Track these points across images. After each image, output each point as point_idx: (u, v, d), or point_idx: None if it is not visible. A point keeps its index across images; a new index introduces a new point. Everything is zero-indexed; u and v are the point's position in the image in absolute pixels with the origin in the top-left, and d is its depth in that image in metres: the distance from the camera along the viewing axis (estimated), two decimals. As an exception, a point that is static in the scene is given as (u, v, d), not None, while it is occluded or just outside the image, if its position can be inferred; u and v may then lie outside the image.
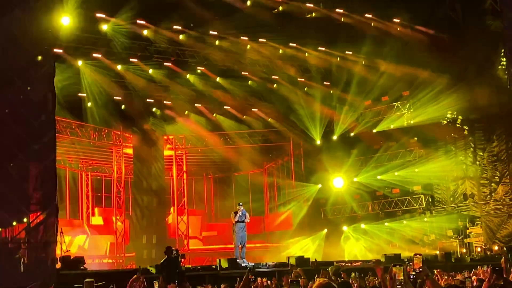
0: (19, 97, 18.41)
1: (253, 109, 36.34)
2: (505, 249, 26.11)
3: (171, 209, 35.29)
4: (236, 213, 23.28)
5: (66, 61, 27.83)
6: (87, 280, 11.17)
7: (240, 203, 23.99)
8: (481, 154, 30.63)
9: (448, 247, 29.92)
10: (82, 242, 32.14)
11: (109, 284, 14.13)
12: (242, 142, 34.84)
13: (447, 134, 32.38)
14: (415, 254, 8.53)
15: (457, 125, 31.61)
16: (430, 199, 32.94)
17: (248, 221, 23.88)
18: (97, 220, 34.91)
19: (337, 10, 29.37)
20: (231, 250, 26.67)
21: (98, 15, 26.36)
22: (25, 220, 18.27)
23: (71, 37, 26.77)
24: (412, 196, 33.29)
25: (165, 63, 31.13)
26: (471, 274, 15.89)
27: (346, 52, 32.60)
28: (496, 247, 28.73)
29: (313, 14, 29.29)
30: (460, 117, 31.09)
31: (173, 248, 20.74)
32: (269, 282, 15.37)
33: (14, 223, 18.42)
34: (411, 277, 9.80)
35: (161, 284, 13.33)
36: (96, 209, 35.76)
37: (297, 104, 35.18)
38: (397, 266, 8.62)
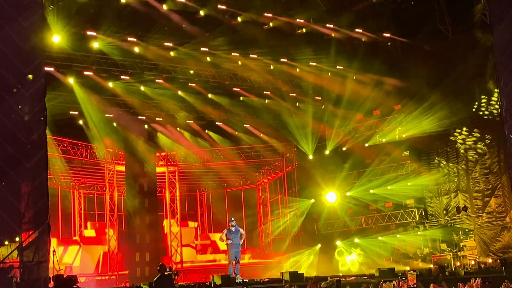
0: (10, 116, 18.33)
1: (245, 125, 36.36)
2: (499, 262, 26.12)
3: (164, 222, 35.14)
4: (229, 230, 23.04)
5: (58, 79, 27.87)
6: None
7: (232, 219, 23.83)
8: (473, 167, 30.66)
9: (442, 260, 29.86)
10: (74, 253, 32.07)
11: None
12: (234, 158, 34.80)
13: (439, 148, 32.45)
14: (409, 271, 8.56)
15: (449, 138, 31.66)
16: (423, 212, 32.94)
17: (244, 235, 23.62)
18: (89, 232, 34.89)
19: (327, 25, 29.50)
20: (225, 267, 26.56)
21: (89, 32, 26.41)
22: (17, 239, 18.15)
23: (62, 55, 26.85)
24: (405, 209, 33.30)
25: (157, 80, 31.19)
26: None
27: (337, 66, 32.75)
28: (490, 260, 28.69)
29: (304, 30, 29.43)
30: (451, 130, 31.13)
31: (167, 265, 20.63)
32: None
33: (6, 242, 18.30)
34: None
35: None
36: (88, 223, 35.73)
37: (289, 119, 35.24)
38: (387, 282, 8.60)
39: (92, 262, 32.30)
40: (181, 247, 33.16)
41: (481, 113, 29.89)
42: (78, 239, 33.65)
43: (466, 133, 30.96)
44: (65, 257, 31.02)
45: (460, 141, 31.29)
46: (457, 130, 31.09)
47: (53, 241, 27.85)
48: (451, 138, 31.55)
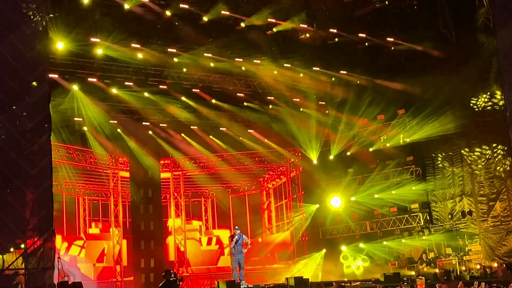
0: (14, 123, 18.40)
1: (249, 130, 36.35)
2: (504, 266, 26.07)
3: (169, 222, 35.16)
4: (232, 236, 23.06)
5: (62, 86, 27.93)
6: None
7: (237, 227, 23.81)
8: (478, 171, 30.60)
9: (447, 265, 29.80)
10: (79, 247, 32.34)
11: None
12: (238, 163, 34.79)
13: (443, 152, 32.39)
14: (418, 276, 8.56)
15: (453, 143, 31.59)
16: (428, 217, 32.85)
17: (249, 243, 23.65)
18: (94, 230, 35.13)
19: (331, 30, 29.49)
20: (229, 272, 26.57)
21: (93, 39, 26.45)
22: (22, 246, 18.18)
23: (66, 62, 26.91)
24: (409, 214, 33.18)
25: (160, 86, 31.21)
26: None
27: (341, 71, 32.74)
28: (495, 264, 28.62)
29: (307, 35, 29.41)
30: (456, 134, 31.08)
31: (172, 271, 20.64)
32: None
33: (11, 249, 18.33)
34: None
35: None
36: (93, 223, 35.99)
37: (293, 125, 35.22)
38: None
39: (95, 254, 32.53)
40: (185, 241, 33.25)
41: (485, 117, 29.85)
42: (83, 236, 33.91)
43: (470, 137, 30.90)
44: (70, 250, 31.26)
45: (464, 145, 31.22)
46: (462, 134, 31.02)
47: (58, 238, 28.09)
48: (455, 142, 31.48)
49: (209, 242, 36.66)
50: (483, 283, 16.39)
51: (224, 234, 35.72)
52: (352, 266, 34.17)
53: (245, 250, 22.92)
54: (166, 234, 34.70)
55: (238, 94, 33.65)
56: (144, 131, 33.14)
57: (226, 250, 34.21)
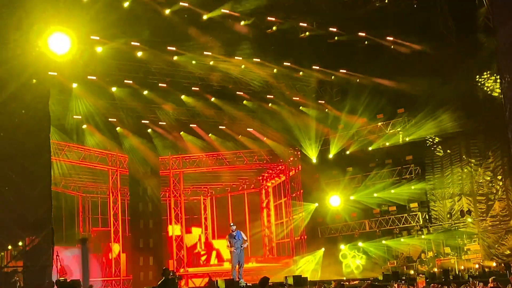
0: (14, 121, 18.41)
1: (248, 129, 36.33)
2: (503, 265, 26.05)
3: (169, 228, 35.14)
4: (230, 235, 22.99)
5: (61, 84, 27.88)
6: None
7: (232, 223, 23.67)
8: (477, 170, 30.60)
9: (446, 264, 29.79)
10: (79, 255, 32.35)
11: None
12: (237, 162, 34.77)
13: (442, 151, 32.38)
14: (419, 274, 8.56)
15: (452, 142, 31.59)
16: (427, 216, 32.85)
17: (246, 240, 23.64)
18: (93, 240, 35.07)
19: (331, 28, 29.50)
20: (228, 270, 26.58)
21: (93, 37, 26.43)
22: (20, 243, 18.21)
23: (65, 60, 26.85)
24: (409, 213, 33.18)
25: (160, 84, 31.19)
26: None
27: (340, 70, 32.73)
28: (494, 264, 28.62)
29: (307, 33, 29.40)
30: (455, 133, 31.08)
31: (170, 269, 20.65)
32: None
33: (10, 247, 18.36)
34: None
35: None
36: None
37: (292, 123, 35.20)
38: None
39: (96, 263, 32.46)
40: (185, 252, 33.19)
41: (484, 116, 29.85)
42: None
43: (469, 137, 30.90)
44: (71, 259, 31.27)
45: (463, 144, 31.23)
46: (461, 134, 31.02)
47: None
48: (455, 141, 31.48)
49: (208, 259, 36.67)
50: (481, 283, 16.35)
51: (223, 246, 35.68)
52: (351, 265, 34.17)
53: (245, 245, 22.93)
54: (166, 234, 34.66)
55: (237, 92, 33.64)
56: (143, 129, 33.13)
57: (226, 264, 34.11)
